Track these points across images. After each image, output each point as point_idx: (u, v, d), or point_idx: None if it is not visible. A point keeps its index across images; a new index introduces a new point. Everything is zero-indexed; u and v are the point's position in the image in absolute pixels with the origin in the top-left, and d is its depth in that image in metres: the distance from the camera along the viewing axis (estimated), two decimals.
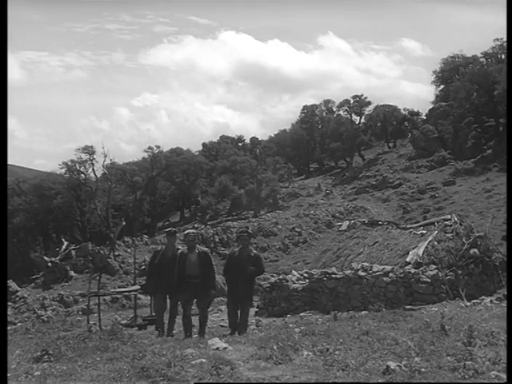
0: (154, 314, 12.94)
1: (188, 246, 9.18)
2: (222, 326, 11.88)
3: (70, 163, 48.08)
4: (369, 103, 63.14)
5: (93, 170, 48.23)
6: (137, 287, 15.65)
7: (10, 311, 21.77)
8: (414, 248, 14.34)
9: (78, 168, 48.22)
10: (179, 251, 9.20)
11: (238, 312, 9.64)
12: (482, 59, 56.46)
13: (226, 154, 59.92)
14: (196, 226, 46.46)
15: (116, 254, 36.51)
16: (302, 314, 12.65)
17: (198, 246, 9.34)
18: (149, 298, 16.17)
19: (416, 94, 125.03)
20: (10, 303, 23.36)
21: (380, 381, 4.74)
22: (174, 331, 9.58)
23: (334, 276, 13.74)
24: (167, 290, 9.41)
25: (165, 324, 9.57)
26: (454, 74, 59.88)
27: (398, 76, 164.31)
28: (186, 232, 9.43)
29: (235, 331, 9.30)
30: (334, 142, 62.35)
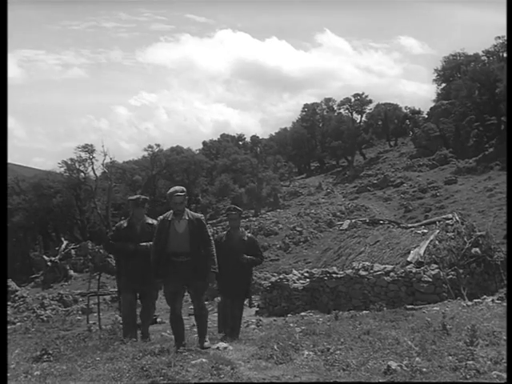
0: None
1: (174, 212, 6.45)
2: None
3: (69, 162, 48.14)
4: (370, 101, 63.23)
5: (92, 168, 48.36)
6: None
7: (9, 311, 21.76)
8: (415, 247, 14.31)
9: (77, 167, 48.29)
10: (160, 218, 6.53)
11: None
12: (484, 57, 56.43)
13: (226, 152, 59.95)
14: None
15: None
16: (302, 314, 12.61)
17: (187, 210, 6.52)
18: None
19: (416, 92, 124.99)
20: (9, 303, 23.35)
21: (381, 380, 4.71)
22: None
23: (334, 275, 13.71)
24: (135, 280, 7.15)
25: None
26: (455, 72, 59.89)
27: (398, 74, 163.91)
28: (172, 190, 6.51)
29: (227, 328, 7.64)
30: (334, 140, 62.35)
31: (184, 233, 6.36)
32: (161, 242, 6.36)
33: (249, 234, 7.89)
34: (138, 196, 7.47)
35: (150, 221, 7.30)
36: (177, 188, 6.50)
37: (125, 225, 7.34)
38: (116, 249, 7.38)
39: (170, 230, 6.35)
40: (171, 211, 6.47)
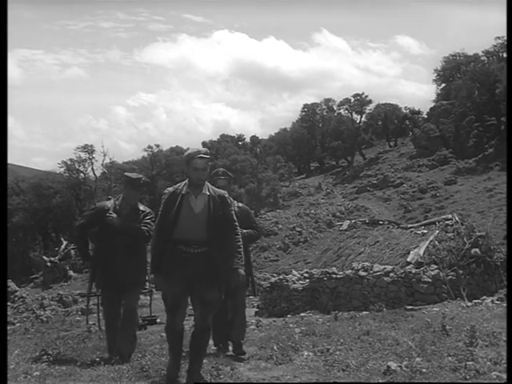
0: (153, 314, 12.75)
1: (191, 182, 4.61)
2: None
3: (69, 162, 48.25)
4: (369, 102, 63.35)
5: (92, 169, 48.48)
6: None
7: (8, 311, 21.72)
8: (415, 248, 14.29)
9: (77, 167, 48.39)
10: (168, 189, 4.70)
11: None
12: (484, 57, 56.52)
13: (226, 152, 59.97)
14: None
15: None
16: (302, 314, 12.60)
17: (208, 184, 4.73)
18: (148, 297, 12.88)
19: (416, 92, 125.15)
20: (8, 303, 23.34)
21: (381, 381, 4.70)
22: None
23: (334, 276, 13.70)
24: (117, 274, 5.63)
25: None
26: (455, 73, 60.00)
27: (397, 74, 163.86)
28: (194, 150, 4.62)
29: (226, 338, 6.17)
30: (334, 140, 62.44)
31: (201, 213, 4.55)
32: (167, 225, 4.52)
33: (240, 204, 6.22)
34: (138, 176, 5.91)
35: (141, 207, 5.87)
36: (200, 149, 4.67)
37: (109, 205, 5.79)
38: (86, 229, 5.91)
39: (183, 208, 4.53)
40: (185, 182, 4.68)
